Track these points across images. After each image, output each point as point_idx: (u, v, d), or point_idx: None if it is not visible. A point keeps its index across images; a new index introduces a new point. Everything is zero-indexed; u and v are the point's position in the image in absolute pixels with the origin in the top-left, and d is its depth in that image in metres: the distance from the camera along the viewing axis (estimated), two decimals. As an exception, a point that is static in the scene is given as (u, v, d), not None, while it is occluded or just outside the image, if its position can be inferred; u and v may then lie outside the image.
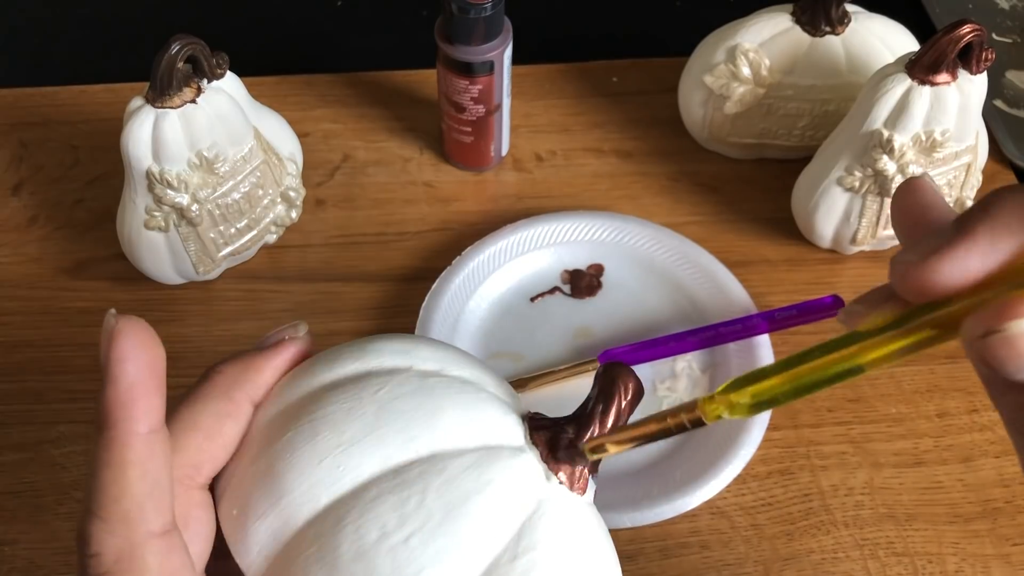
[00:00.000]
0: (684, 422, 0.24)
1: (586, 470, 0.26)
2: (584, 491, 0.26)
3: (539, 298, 0.54)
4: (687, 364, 0.51)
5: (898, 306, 0.22)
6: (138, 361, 0.24)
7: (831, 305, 0.53)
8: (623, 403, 0.26)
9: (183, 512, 0.24)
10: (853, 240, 0.54)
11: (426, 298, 0.52)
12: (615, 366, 0.26)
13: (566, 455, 0.26)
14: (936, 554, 0.46)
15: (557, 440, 0.26)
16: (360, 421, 0.25)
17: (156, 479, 0.23)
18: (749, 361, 0.50)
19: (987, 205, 0.20)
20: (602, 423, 0.26)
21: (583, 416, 0.26)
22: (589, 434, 0.26)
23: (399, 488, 0.24)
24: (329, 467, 0.24)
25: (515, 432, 0.26)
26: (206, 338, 0.52)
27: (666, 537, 0.46)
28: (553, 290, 0.54)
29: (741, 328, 0.51)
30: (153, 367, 0.25)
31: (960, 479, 0.48)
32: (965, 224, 0.20)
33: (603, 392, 0.26)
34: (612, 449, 0.25)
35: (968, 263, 0.20)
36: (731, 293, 0.52)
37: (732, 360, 0.51)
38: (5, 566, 0.45)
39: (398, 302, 0.54)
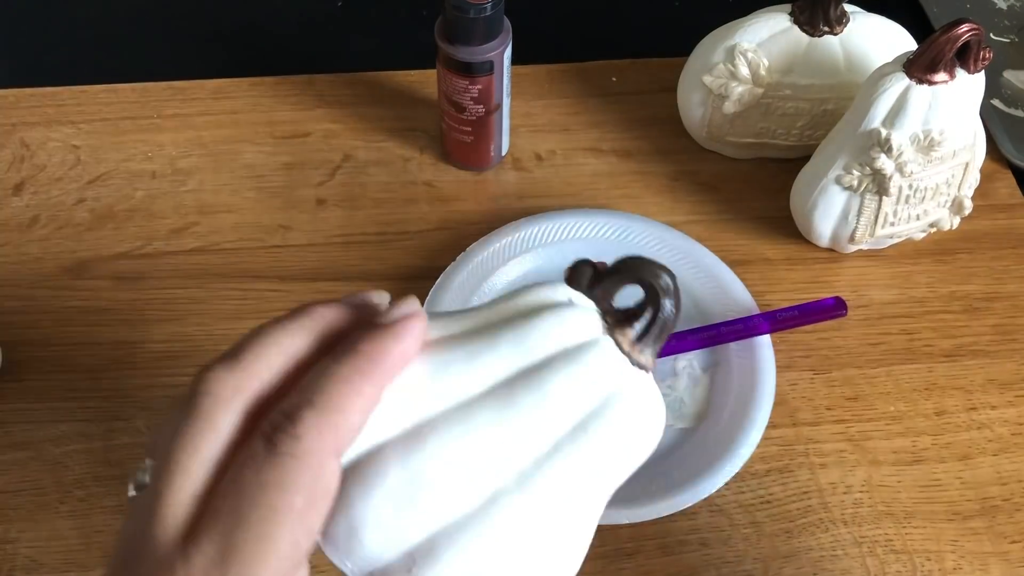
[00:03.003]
0: None
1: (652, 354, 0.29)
2: (644, 366, 0.29)
3: None
4: (688, 363, 0.51)
5: None
6: (415, 342, 0.27)
7: (833, 307, 0.53)
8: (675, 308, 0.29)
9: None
10: (851, 239, 0.54)
11: (429, 293, 0.52)
12: (662, 274, 0.28)
13: (646, 349, 0.29)
14: (935, 552, 0.46)
15: (634, 336, 0.29)
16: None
17: (365, 420, 0.25)
18: (750, 361, 0.50)
19: None
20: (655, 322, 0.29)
21: (653, 316, 0.29)
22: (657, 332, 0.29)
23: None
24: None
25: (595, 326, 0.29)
26: (207, 338, 0.53)
27: (666, 534, 0.46)
28: None
29: (742, 328, 0.51)
30: (415, 353, 0.27)
31: (958, 477, 0.48)
32: None
33: (667, 297, 0.28)
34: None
35: None
36: (733, 293, 0.53)
37: (733, 360, 0.51)
38: (7, 564, 0.45)
39: (398, 301, 0.54)
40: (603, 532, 0.46)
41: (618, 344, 0.28)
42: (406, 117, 0.63)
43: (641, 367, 0.29)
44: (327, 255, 0.56)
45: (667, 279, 0.28)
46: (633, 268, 0.28)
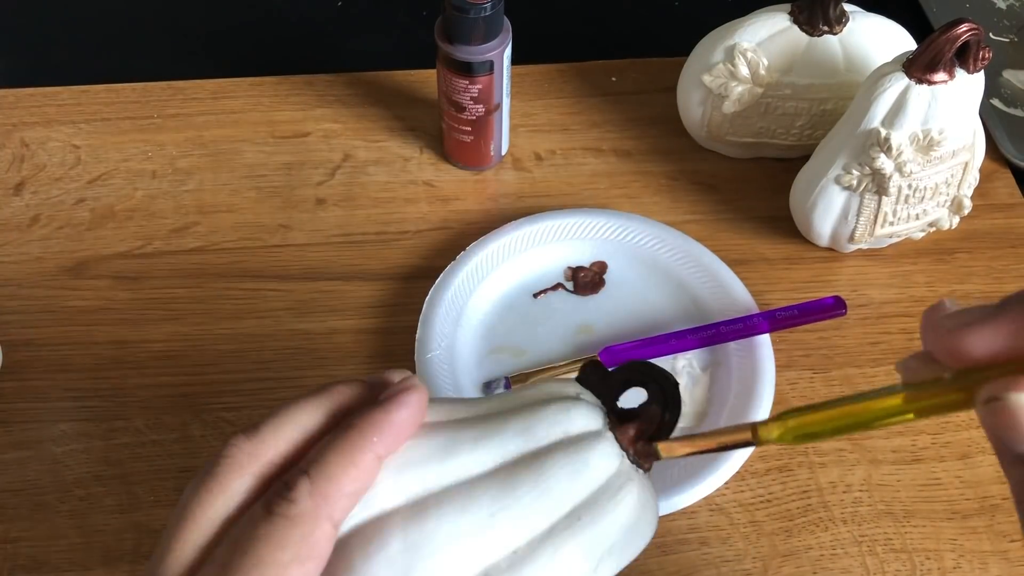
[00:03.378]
0: (739, 440, 0.29)
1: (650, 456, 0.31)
2: (648, 470, 0.31)
3: (542, 294, 0.54)
4: (688, 362, 0.51)
5: (943, 369, 0.24)
6: (412, 414, 0.29)
7: (832, 306, 0.53)
8: (676, 413, 0.30)
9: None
10: (851, 238, 0.54)
11: (430, 292, 0.52)
12: (667, 379, 0.30)
13: (643, 449, 0.30)
14: (934, 550, 0.46)
15: (633, 433, 0.30)
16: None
17: (360, 489, 0.28)
18: (750, 360, 0.50)
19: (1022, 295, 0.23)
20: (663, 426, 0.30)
21: (653, 417, 0.30)
22: (655, 432, 0.30)
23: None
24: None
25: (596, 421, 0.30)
26: (207, 337, 0.53)
27: (665, 534, 0.46)
28: (556, 286, 0.54)
29: (742, 327, 0.51)
30: (414, 425, 0.29)
31: (958, 476, 0.48)
32: (1003, 305, 0.23)
33: (669, 402, 0.30)
34: (678, 452, 0.30)
35: (995, 339, 0.22)
36: (733, 292, 0.53)
37: (732, 359, 0.51)
38: (7, 564, 0.45)
39: (398, 301, 0.54)
40: (603, 531, 0.46)
41: (618, 440, 0.30)
42: (406, 117, 0.63)
43: (639, 465, 0.30)
44: (327, 255, 0.56)
45: (671, 386, 0.30)
46: (640, 372, 0.30)
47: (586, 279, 0.55)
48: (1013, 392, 0.21)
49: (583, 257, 0.55)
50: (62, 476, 0.48)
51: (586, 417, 0.30)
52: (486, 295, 0.53)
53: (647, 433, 0.30)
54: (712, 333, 0.51)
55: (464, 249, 0.54)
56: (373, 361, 0.52)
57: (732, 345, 0.51)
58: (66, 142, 0.61)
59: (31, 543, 0.46)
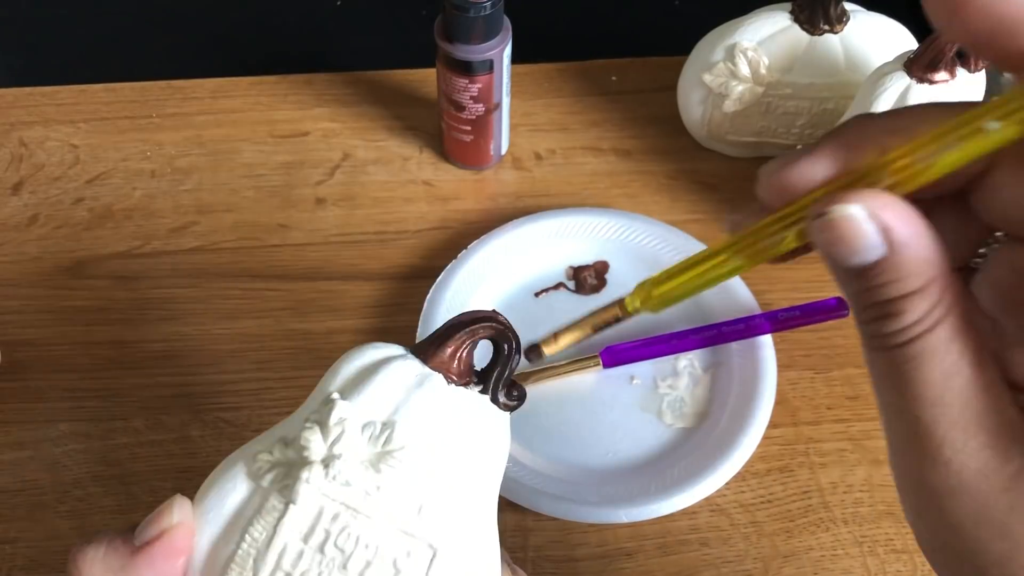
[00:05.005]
0: (609, 318, 0.29)
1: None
2: (466, 384, 0.29)
3: (543, 293, 0.54)
4: (689, 362, 0.51)
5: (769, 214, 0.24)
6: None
7: (835, 307, 0.53)
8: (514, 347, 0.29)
9: None
10: (852, 238, 0.54)
11: (431, 289, 0.52)
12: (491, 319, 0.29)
13: (509, 392, 0.29)
14: (935, 551, 0.46)
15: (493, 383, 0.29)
16: None
17: None
18: (751, 361, 0.50)
19: (837, 128, 0.23)
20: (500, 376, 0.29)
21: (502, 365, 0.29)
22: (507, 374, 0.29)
23: None
24: None
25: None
26: (206, 337, 0.52)
27: (665, 534, 0.46)
28: (558, 286, 0.54)
29: (744, 328, 0.51)
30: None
31: (959, 476, 0.48)
32: (817, 142, 0.23)
33: (506, 341, 0.29)
34: (561, 345, 0.30)
35: (813, 169, 0.23)
36: (735, 292, 0.53)
37: (734, 359, 0.51)
38: (6, 564, 0.45)
39: (397, 300, 0.54)
40: (603, 532, 0.46)
41: (442, 375, 0.28)
42: (405, 116, 0.63)
43: (464, 384, 0.29)
44: (326, 254, 0.56)
45: (498, 325, 0.29)
46: (466, 327, 0.29)
47: (588, 279, 0.54)
48: (836, 205, 0.21)
49: (585, 256, 0.55)
50: (60, 476, 0.47)
51: (407, 368, 0.28)
52: (487, 293, 0.53)
53: (505, 379, 0.29)
54: (714, 333, 0.51)
55: (465, 247, 0.54)
56: (372, 361, 0.52)
57: (734, 345, 0.51)
58: (64, 141, 0.61)
59: (29, 543, 0.45)
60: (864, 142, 0.22)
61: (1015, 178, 0.21)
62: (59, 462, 0.48)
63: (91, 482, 0.47)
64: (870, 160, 0.22)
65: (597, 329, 0.30)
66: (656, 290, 0.27)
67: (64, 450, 0.48)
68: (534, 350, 0.30)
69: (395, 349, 0.29)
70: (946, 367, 0.22)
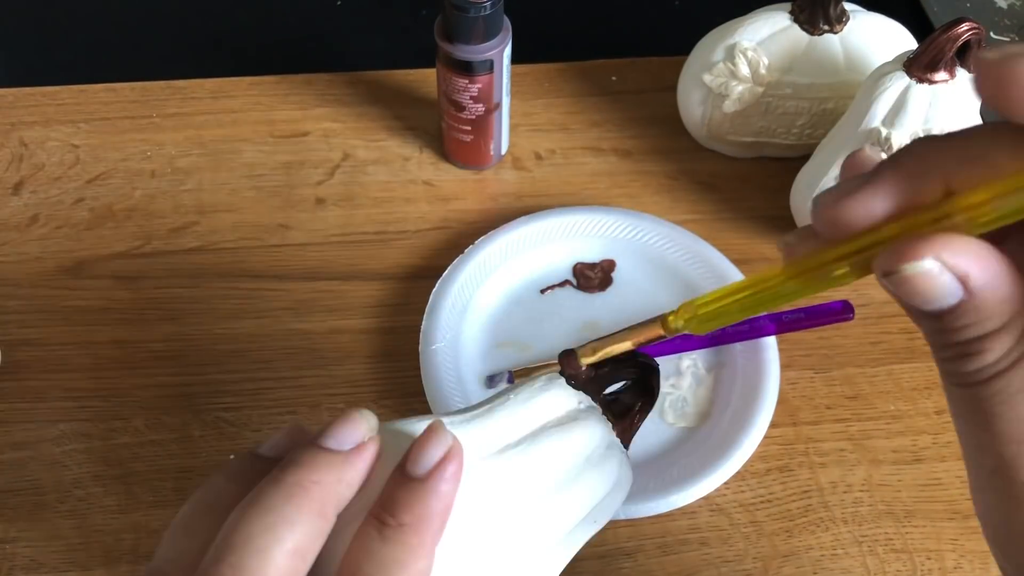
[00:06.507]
0: (651, 336, 0.30)
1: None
2: (626, 445, 0.31)
3: (549, 290, 0.54)
4: (692, 362, 0.51)
5: (825, 243, 0.23)
6: (457, 484, 0.25)
7: (840, 310, 0.53)
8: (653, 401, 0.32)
9: None
10: (852, 238, 0.54)
11: (437, 284, 0.52)
12: (654, 373, 0.31)
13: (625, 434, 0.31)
14: (935, 550, 0.46)
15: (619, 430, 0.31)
16: None
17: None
18: (754, 362, 0.50)
19: (897, 154, 0.22)
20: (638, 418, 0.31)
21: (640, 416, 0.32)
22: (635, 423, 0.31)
23: None
24: None
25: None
26: (206, 337, 0.52)
27: (665, 534, 0.46)
28: (563, 283, 0.54)
29: (748, 329, 0.51)
30: (455, 494, 0.25)
31: (959, 476, 0.48)
32: (876, 170, 0.22)
33: (647, 395, 0.31)
34: (594, 358, 0.31)
35: (873, 204, 0.21)
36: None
37: (738, 360, 0.51)
38: (6, 564, 0.45)
39: (398, 300, 0.54)
40: (603, 531, 0.46)
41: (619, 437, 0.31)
42: (406, 116, 0.63)
43: (625, 446, 0.31)
44: (326, 254, 0.56)
45: (656, 376, 0.31)
46: (631, 365, 0.31)
47: (594, 276, 0.54)
48: (908, 263, 0.21)
49: (592, 254, 0.55)
50: (61, 476, 0.47)
51: (601, 432, 0.30)
52: (493, 289, 0.53)
53: (632, 427, 0.31)
54: (718, 334, 0.51)
55: (466, 247, 0.54)
56: (372, 361, 0.52)
57: (737, 346, 0.51)
58: (65, 141, 0.61)
59: (30, 543, 0.45)
60: (928, 172, 0.21)
61: None
62: (59, 462, 0.48)
63: (91, 482, 0.47)
64: (938, 197, 0.21)
65: (637, 345, 0.30)
66: (703, 309, 0.27)
67: (64, 450, 0.48)
68: (569, 356, 0.30)
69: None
70: None
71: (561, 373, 0.30)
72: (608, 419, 0.30)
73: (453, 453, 0.25)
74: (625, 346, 0.30)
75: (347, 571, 0.23)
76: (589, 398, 0.30)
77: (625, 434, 0.31)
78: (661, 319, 0.29)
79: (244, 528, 0.23)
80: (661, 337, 0.29)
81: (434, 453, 0.24)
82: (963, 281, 0.21)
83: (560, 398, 0.30)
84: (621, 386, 0.31)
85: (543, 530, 0.27)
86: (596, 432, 0.30)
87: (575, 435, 0.29)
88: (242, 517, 0.23)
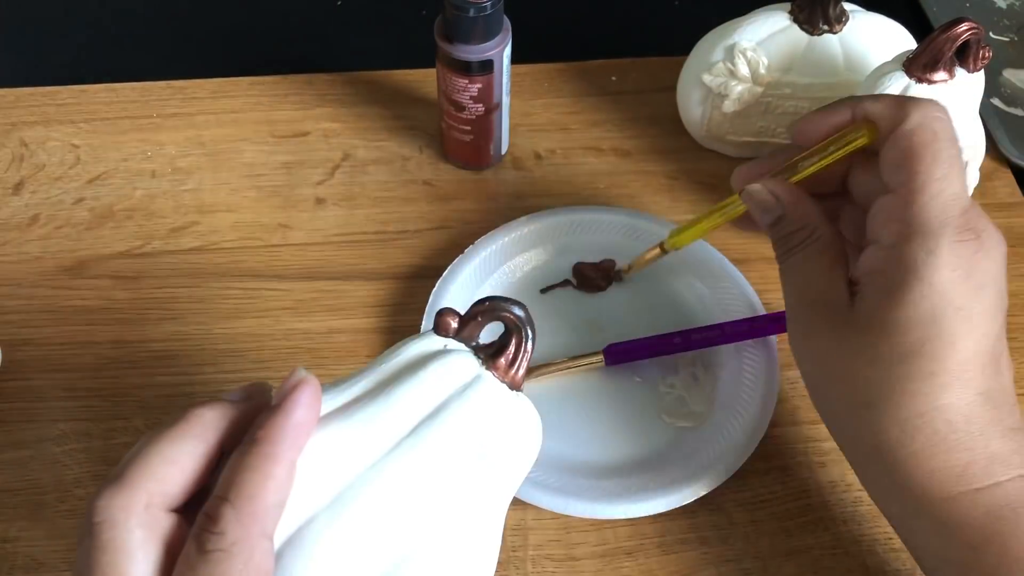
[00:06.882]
0: (654, 255, 0.50)
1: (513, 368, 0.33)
2: (518, 387, 0.33)
3: (549, 290, 0.54)
4: (692, 362, 0.51)
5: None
6: (310, 410, 0.29)
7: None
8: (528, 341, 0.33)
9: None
10: (851, 238, 0.54)
11: (438, 283, 0.52)
12: (514, 304, 0.33)
13: (515, 375, 0.33)
14: (934, 550, 0.46)
15: (505, 363, 0.33)
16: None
17: (283, 498, 0.28)
18: (755, 362, 0.50)
19: (862, 96, 0.41)
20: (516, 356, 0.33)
21: (516, 343, 0.33)
22: (520, 356, 0.33)
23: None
24: None
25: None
26: (206, 337, 0.53)
27: (665, 533, 0.46)
28: (563, 283, 0.55)
29: (748, 328, 0.51)
30: (314, 420, 0.29)
31: (958, 475, 0.48)
32: (841, 100, 0.41)
33: (524, 324, 0.33)
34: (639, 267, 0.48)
35: (823, 123, 0.41)
36: (741, 293, 0.53)
37: (737, 359, 0.51)
38: (7, 564, 0.45)
39: (398, 300, 0.54)
40: (603, 530, 0.46)
41: (494, 374, 0.32)
42: (405, 116, 0.63)
43: (517, 389, 0.33)
44: (326, 254, 0.56)
45: (520, 310, 0.33)
46: (490, 308, 0.33)
47: (594, 276, 0.55)
48: (750, 186, 0.41)
49: (592, 254, 0.55)
50: (61, 476, 0.47)
51: (463, 366, 0.32)
52: (493, 289, 0.53)
53: (515, 361, 0.33)
54: (717, 333, 0.51)
55: (466, 247, 0.54)
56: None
57: (737, 346, 0.51)
58: (65, 141, 0.61)
59: (30, 543, 0.46)
60: (857, 112, 0.40)
61: (861, 175, 0.41)
62: (59, 461, 0.48)
63: (92, 481, 0.47)
64: (860, 123, 0.40)
65: (644, 262, 0.52)
66: (686, 231, 0.48)
67: (64, 449, 0.48)
68: (441, 316, 0.34)
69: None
70: (807, 269, 0.40)
71: (436, 332, 0.33)
72: (481, 359, 0.33)
73: (304, 382, 0.29)
74: (655, 252, 0.50)
75: (222, 485, 0.28)
76: (456, 342, 0.33)
77: (509, 374, 0.33)
78: (659, 244, 0.50)
79: (236, 480, 0.27)
80: (663, 253, 0.50)
81: (285, 387, 0.29)
82: (777, 199, 0.41)
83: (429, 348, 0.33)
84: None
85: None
86: (460, 368, 0.32)
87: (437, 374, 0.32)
88: (233, 470, 0.28)
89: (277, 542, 0.28)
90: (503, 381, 0.33)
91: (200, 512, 0.27)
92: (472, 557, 0.31)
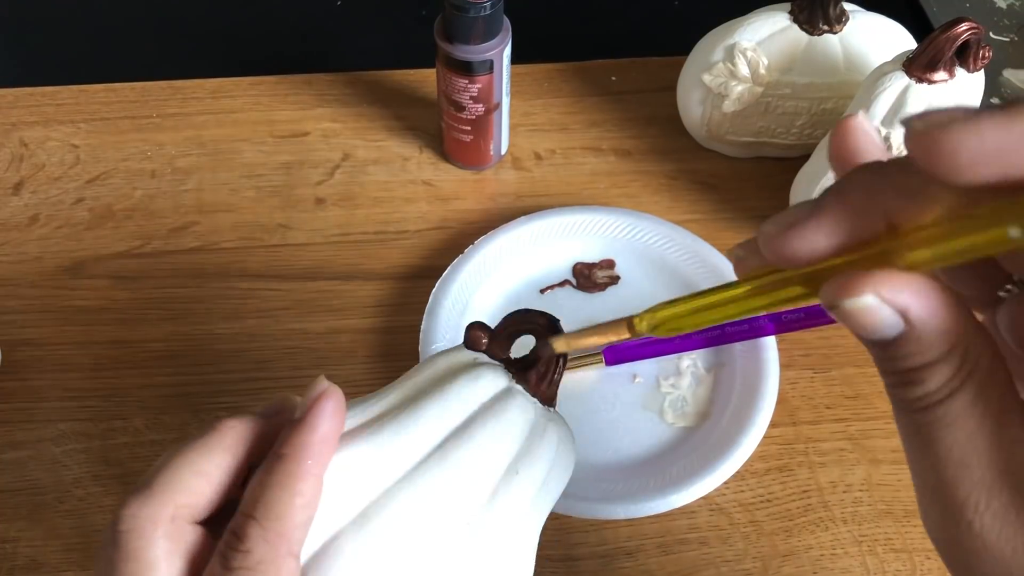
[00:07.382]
0: (619, 336, 0.29)
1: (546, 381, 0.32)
2: (550, 402, 0.32)
3: (548, 290, 0.54)
4: (692, 362, 0.51)
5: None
6: (335, 422, 0.28)
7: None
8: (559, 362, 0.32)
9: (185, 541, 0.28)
10: (851, 238, 0.54)
11: (437, 284, 0.52)
12: (547, 319, 0.32)
13: (548, 389, 0.32)
14: (934, 550, 0.46)
15: (535, 378, 0.32)
16: None
17: (310, 515, 0.27)
18: (754, 362, 0.50)
19: (841, 184, 0.22)
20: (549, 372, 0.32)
21: (548, 358, 0.32)
22: (553, 371, 0.32)
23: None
24: None
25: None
26: (206, 337, 0.52)
27: (665, 533, 0.46)
28: (563, 283, 0.54)
29: (748, 329, 0.51)
30: (338, 432, 0.28)
31: (958, 475, 0.48)
32: (820, 202, 0.22)
33: (540, 342, 0.32)
34: (566, 348, 0.32)
35: (816, 240, 0.22)
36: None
37: (737, 360, 0.51)
38: (6, 563, 0.45)
39: (398, 300, 0.54)
40: (603, 531, 0.46)
41: (525, 388, 0.32)
42: (405, 116, 0.63)
43: (548, 403, 0.32)
44: (326, 254, 0.56)
45: (550, 322, 0.32)
46: (518, 321, 0.32)
47: (594, 276, 0.54)
48: (849, 298, 0.21)
49: (592, 254, 0.55)
50: (61, 476, 0.47)
51: (492, 379, 0.31)
52: (493, 289, 0.53)
53: (546, 375, 0.32)
54: (717, 333, 0.51)
55: (466, 247, 0.54)
56: (372, 361, 0.52)
57: (737, 346, 0.51)
58: (65, 141, 0.61)
59: (30, 543, 0.46)
60: (870, 207, 0.21)
61: None
62: (59, 462, 0.48)
63: (91, 482, 0.47)
64: (881, 230, 0.21)
65: (605, 343, 0.31)
66: (660, 312, 0.27)
67: (64, 450, 0.48)
68: (473, 331, 0.32)
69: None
70: (969, 429, 0.22)
71: (466, 346, 0.32)
72: (511, 373, 0.31)
73: (326, 393, 0.28)
74: (594, 341, 0.30)
75: (248, 502, 0.27)
76: (487, 356, 0.32)
77: (540, 388, 0.32)
78: (628, 321, 0.28)
79: (262, 498, 0.27)
80: (627, 338, 0.29)
81: (308, 398, 0.28)
82: (903, 315, 0.21)
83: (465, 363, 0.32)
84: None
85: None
86: (490, 382, 0.31)
87: (481, 384, 0.31)
88: (259, 487, 0.27)
89: (302, 558, 0.27)
90: (534, 395, 0.32)
91: (227, 529, 0.27)
92: (508, 567, 0.30)
